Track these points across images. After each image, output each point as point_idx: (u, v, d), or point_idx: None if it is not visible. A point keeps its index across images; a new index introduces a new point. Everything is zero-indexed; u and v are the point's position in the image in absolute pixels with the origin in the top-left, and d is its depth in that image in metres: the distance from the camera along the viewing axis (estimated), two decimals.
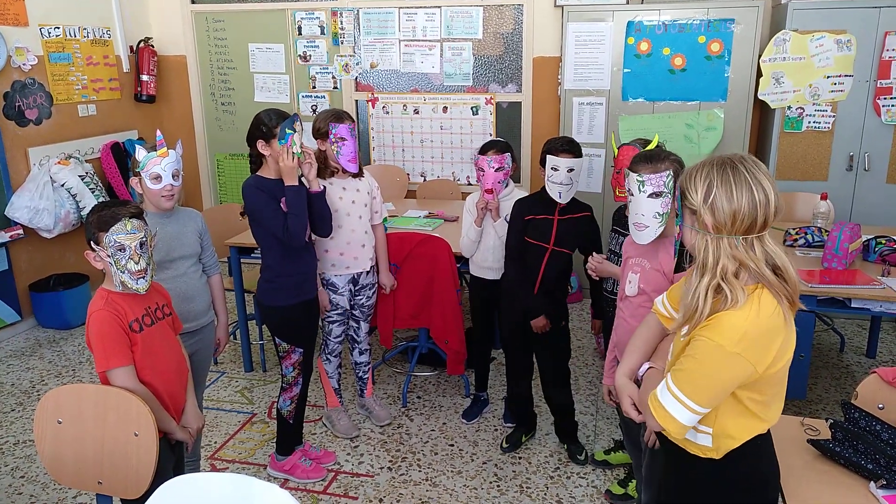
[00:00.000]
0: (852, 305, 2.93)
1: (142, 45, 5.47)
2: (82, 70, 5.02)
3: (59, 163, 4.64)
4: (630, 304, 2.29)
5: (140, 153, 2.43)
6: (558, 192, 2.84)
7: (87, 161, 4.91)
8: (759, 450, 1.58)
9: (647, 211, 2.11)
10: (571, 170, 2.82)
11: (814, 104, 4.39)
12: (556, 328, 3.05)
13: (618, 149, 2.76)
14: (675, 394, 1.49)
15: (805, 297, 2.80)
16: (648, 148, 2.48)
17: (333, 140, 2.97)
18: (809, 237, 3.47)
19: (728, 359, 1.43)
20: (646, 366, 1.72)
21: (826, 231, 3.43)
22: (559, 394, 3.15)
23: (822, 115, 4.40)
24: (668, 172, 2.10)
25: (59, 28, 4.79)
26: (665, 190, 2.09)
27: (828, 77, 4.32)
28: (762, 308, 1.43)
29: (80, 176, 4.68)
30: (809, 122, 4.43)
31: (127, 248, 2.01)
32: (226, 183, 6.01)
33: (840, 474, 1.82)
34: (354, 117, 5.36)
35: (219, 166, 5.99)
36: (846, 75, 4.29)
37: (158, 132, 2.59)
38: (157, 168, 2.41)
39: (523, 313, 3.00)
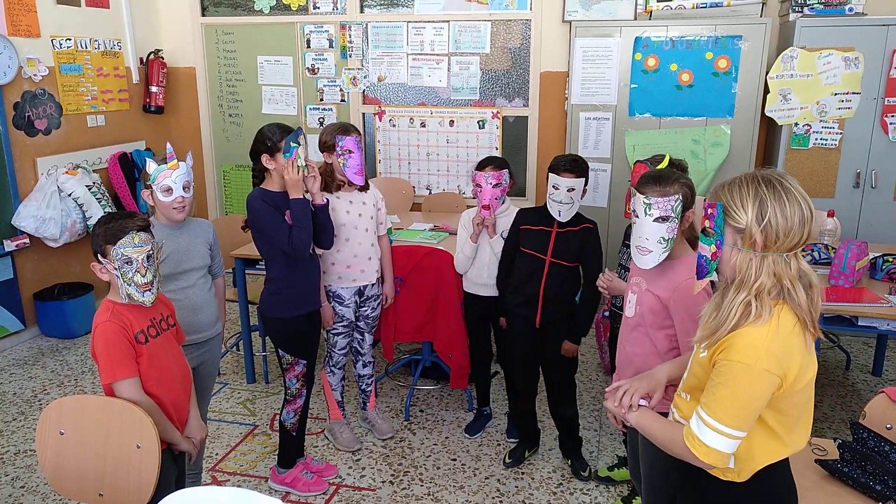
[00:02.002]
0: (859, 323, 2.92)
1: (152, 56, 5.51)
2: (92, 81, 5.05)
3: (66, 172, 4.66)
4: (626, 325, 2.23)
5: (151, 166, 2.44)
6: (558, 211, 2.84)
7: (94, 171, 4.94)
8: (778, 473, 1.57)
9: (652, 235, 2.01)
10: (572, 189, 2.80)
11: (821, 121, 4.38)
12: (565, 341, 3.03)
13: (633, 165, 2.73)
14: (712, 425, 1.46)
15: None
16: (658, 168, 2.39)
17: (340, 153, 2.98)
18: (816, 254, 3.45)
19: (757, 377, 1.42)
20: (642, 402, 1.72)
21: (833, 248, 3.42)
22: (566, 408, 3.12)
23: (830, 133, 4.39)
24: (676, 196, 2.00)
25: (70, 40, 4.84)
26: (672, 214, 1.99)
27: (835, 94, 4.32)
28: (781, 324, 1.43)
29: (87, 186, 4.70)
30: (816, 139, 4.42)
31: (134, 261, 2.01)
32: (232, 194, 6.04)
33: (848, 495, 1.80)
34: (361, 130, 5.39)
35: (225, 177, 6.01)
36: (854, 93, 4.29)
37: (169, 145, 2.60)
38: (168, 180, 2.42)
39: (531, 329, 2.98)
